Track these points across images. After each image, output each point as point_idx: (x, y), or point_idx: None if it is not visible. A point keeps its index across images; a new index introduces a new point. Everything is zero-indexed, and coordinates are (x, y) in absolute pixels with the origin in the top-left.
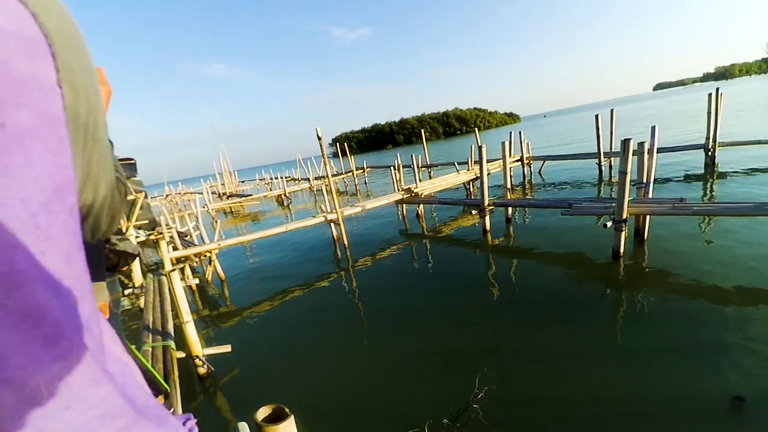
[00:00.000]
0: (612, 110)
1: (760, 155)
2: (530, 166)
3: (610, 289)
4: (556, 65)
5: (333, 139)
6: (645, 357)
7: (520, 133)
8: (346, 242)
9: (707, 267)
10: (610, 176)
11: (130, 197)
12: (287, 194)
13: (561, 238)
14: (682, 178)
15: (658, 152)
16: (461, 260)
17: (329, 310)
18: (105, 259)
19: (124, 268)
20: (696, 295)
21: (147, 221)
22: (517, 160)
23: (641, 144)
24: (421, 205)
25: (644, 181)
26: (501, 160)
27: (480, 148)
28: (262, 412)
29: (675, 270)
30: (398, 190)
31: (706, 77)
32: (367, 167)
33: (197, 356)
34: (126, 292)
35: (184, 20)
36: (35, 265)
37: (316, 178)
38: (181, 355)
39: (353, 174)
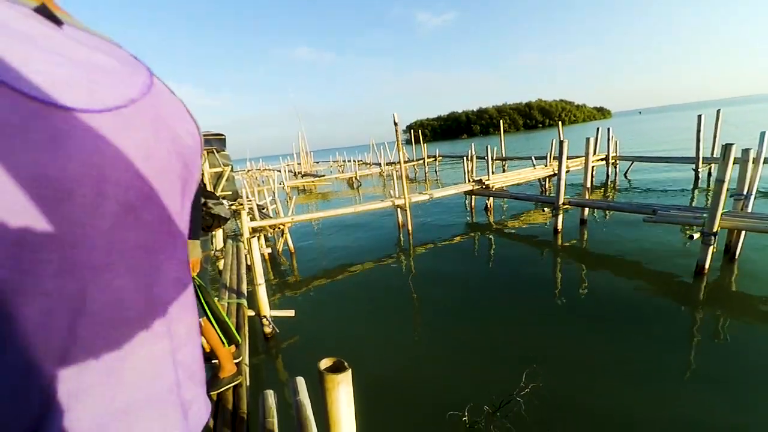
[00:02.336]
0: (718, 111)
1: None
2: (616, 167)
3: (687, 307)
4: (657, 56)
5: (407, 126)
6: (716, 385)
7: (608, 129)
8: (410, 228)
9: None
10: (708, 185)
11: (217, 169)
12: (358, 177)
13: (639, 246)
14: None
15: (765, 162)
16: (526, 258)
17: (387, 291)
18: (202, 221)
19: (216, 230)
20: None
21: (231, 192)
22: (602, 159)
23: (746, 151)
24: (491, 198)
25: (744, 192)
26: (583, 158)
27: (561, 142)
28: (325, 363)
29: (764, 295)
30: (469, 180)
31: None
32: (439, 156)
33: (265, 316)
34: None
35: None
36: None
37: (387, 164)
38: (251, 313)
39: (424, 162)
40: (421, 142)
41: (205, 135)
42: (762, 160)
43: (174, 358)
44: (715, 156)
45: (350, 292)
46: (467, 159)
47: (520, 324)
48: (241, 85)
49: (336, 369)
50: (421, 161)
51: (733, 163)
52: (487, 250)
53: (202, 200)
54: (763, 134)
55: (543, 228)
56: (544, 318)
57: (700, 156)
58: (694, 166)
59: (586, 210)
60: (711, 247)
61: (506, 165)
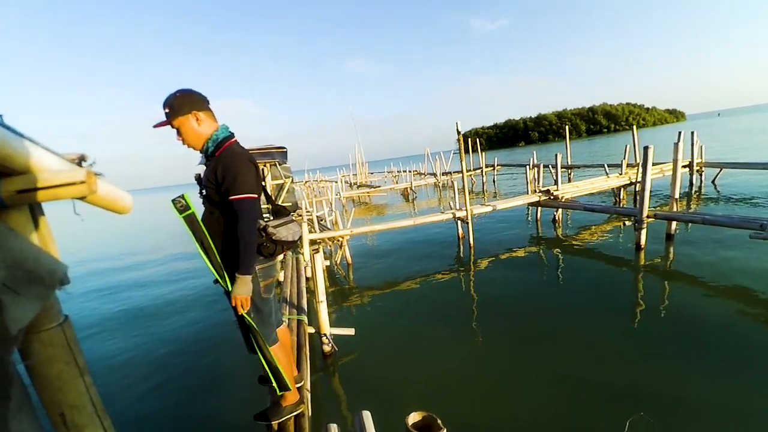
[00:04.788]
0: None
1: None
2: (701, 174)
3: None
4: (736, 52)
5: (462, 135)
6: None
7: (692, 133)
8: (471, 241)
9: None
10: None
11: (278, 181)
12: (413, 188)
13: (740, 267)
14: None
15: None
16: (604, 276)
17: (448, 308)
18: (262, 248)
19: (283, 254)
20: None
21: (290, 204)
22: (685, 166)
23: None
24: (559, 210)
25: None
26: (663, 165)
27: (646, 148)
28: (413, 417)
29: None
30: (535, 191)
31: None
32: (497, 165)
33: (325, 334)
34: None
35: (329, 20)
36: None
37: (442, 174)
38: (311, 330)
39: (482, 171)
40: (479, 150)
41: (267, 148)
42: None
43: None
44: None
45: (410, 307)
46: (530, 168)
47: (607, 355)
48: (296, 96)
49: (426, 426)
50: (479, 170)
51: None
52: (557, 267)
53: (261, 224)
54: None
55: (619, 243)
56: (635, 348)
57: None
58: None
59: (674, 224)
60: None
61: (572, 174)
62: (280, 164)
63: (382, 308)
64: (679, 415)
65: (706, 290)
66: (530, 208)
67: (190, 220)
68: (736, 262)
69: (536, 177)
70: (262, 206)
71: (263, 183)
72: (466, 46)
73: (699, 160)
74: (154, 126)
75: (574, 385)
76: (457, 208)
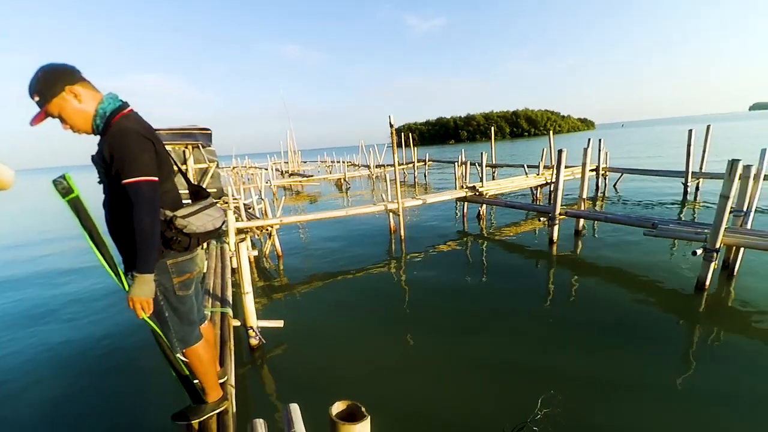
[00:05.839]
0: (708, 126)
1: None
2: (606, 178)
3: (688, 322)
4: (639, 72)
5: (396, 129)
6: (725, 404)
7: (599, 140)
8: (402, 233)
9: None
10: (696, 199)
11: (202, 165)
12: (346, 179)
13: (636, 259)
14: None
15: (765, 179)
16: (521, 268)
17: (379, 300)
18: (171, 242)
19: (203, 246)
20: None
21: (215, 189)
22: (593, 170)
23: (747, 167)
24: (484, 206)
25: (744, 209)
26: (574, 168)
27: (560, 152)
28: (337, 407)
29: (764, 312)
30: (462, 186)
31: None
32: (429, 160)
33: (251, 327)
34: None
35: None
36: None
37: (376, 166)
38: (237, 323)
39: (414, 166)
40: (411, 145)
41: (190, 129)
42: (762, 177)
43: None
44: (703, 171)
45: (341, 299)
46: (458, 165)
47: (523, 340)
48: (228, 79)
49: (351, 415)
50: (411, 165)
51: (738, 179)
52: (482, 259)
53: (168, 215)
54: (764, 151)
55: (535, 237)
56: (547, 332)
57: (690, 170)
58: (683, 180)
59: (581, 221)
60: (712, 263)
61: (496, 172)
62: (203, 147)
63: (312, 300)
64: (586, 391)
65: (607, 279)
66: (458, 202)
67: (75, 205)
68: (632, 255)
69: (464, 174)
70: (180, 190)
71: (185, 166)
72: (402, 44)
73: (604, 166)
74: (31, 123)
75: (496, 369)
76: (389, 200)
